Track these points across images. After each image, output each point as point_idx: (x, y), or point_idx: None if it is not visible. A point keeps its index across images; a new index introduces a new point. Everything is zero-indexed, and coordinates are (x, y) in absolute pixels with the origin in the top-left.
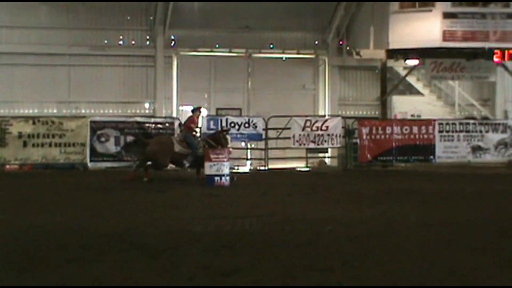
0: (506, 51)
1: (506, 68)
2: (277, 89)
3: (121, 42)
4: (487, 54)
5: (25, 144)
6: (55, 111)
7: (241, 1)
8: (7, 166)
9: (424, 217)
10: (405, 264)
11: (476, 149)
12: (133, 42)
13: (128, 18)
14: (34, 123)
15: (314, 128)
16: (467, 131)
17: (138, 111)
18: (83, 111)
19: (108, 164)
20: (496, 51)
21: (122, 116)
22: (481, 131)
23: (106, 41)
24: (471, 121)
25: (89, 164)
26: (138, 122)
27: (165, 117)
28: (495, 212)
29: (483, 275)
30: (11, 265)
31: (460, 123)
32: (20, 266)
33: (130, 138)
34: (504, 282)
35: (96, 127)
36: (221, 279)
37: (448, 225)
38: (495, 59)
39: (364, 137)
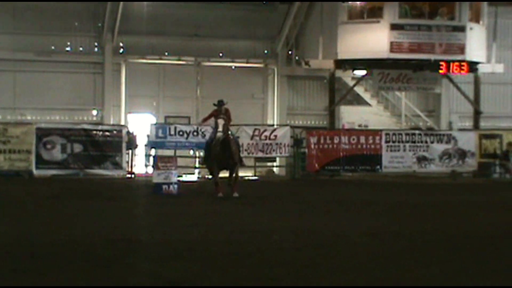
0: (451, 63)
1: (451, 79)
2: (226, 97)
3: (68, 48)
4: (433, 66)
5: None
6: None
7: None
8: None
9: (372, 227)
10: (352, 274)
11: (421, 160)
12: (80, 49)
13: (76, 24)
14: None
15: (262, 137)
16: (413, 142)
17: (85, 118)
18: (28, 117)
19: (54, 172)
20: (441, 63)
21: (69, 123)
22: (426, 142)
23: (53, 47)
24: (417, 132)
25: (35, 172)
26: (85, 130)
27: (112, 125)
28: (440, 223)
29: (428, 286)
30: None
31: (406, 134)
32: None
33: (78, 146)
34: None
35: (42, 134)
36: None
37: (395, 235)
38: (441, 71)
39: (312, 146)
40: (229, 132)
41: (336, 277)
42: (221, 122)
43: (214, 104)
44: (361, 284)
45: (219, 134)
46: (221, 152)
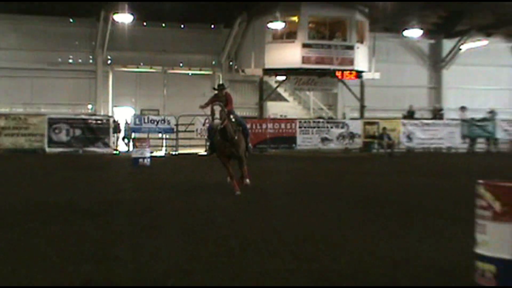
0: (344, 71)
1: (344, 83)
2: (185, 96)
3: (71, 60)
4: (332, 73)
5: None
6: (21, 110)
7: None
8: None
9: (288, 187)
10: (278, 220)
11: (324, 140)
12: (79, 60)
13: (76, 43)
14: (6, 118)
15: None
16: (318, 127)
17: (83, 111)
18: (42, 110)
19: (61, 150)
20: (338, 71)
21: (72, 114)
22: (327, 127)
23: (59, 59)
24: (321, 120)
25: (47, 149)
26: (83, 119)
27: (103, 115)
28: (339, 185)
29: (328, 231)
30: None
31: (314, 122)
32: None
33: (78, 131)
34: (344, 235)
35: (52, 122)
36: (143, 233)
37: (308, 193)
38: (337, 77)
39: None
40: (231, 117)
41: (252, 229)
42: (217, 108)
43: (214, 89)
44: (283, 229)
45: (217, 121)
46: (221, 142)
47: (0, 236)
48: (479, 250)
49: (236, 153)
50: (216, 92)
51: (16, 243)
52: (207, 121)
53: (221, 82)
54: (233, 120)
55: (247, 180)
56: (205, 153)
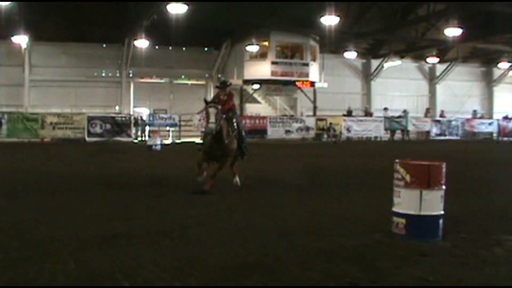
0: (302, 82)
1: (301, 90)
2: (186, 100)
3: (103, 74)
4: (293, 83)
5: (54, 128)
6: (68, 110)
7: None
8: (45, 139)
9: (261, 165)
10: (254, 190)
11: (287, 131)
12: (109, 74)
13: (108, 61)
14: (58, 116)
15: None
16: (283, 122)
17: (111, 111)
18: (83, 110)
19: (96, 139)
20: (297, 81)
21: (104, 113)
22: (290, 122)
23: (95, 74)
24: (285, 117)
25: (87, 139)
26: (112, 117)
27: (126, 114)
28: (298, 164)
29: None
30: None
31: (280, 118)
32: (40, 190)
33: (108, 126)
34: (300, 198)
35: (90, 119)
36: (154, 199)
37: (276, 169)
38: (297, 85)
39: None
40: (233, 121)
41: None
42: (212, 111)
43: (217, 87)
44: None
45: (211, 125)
46: (211, 145)
47: (53, 199)
48: (395, 209)
49: (221, 158)
50: (219, 90)
51: (64, 205)
52: (200, 121)
53: (224, 79)
54: (235, 124)
55: (237, 179)
56: (201, 141)
